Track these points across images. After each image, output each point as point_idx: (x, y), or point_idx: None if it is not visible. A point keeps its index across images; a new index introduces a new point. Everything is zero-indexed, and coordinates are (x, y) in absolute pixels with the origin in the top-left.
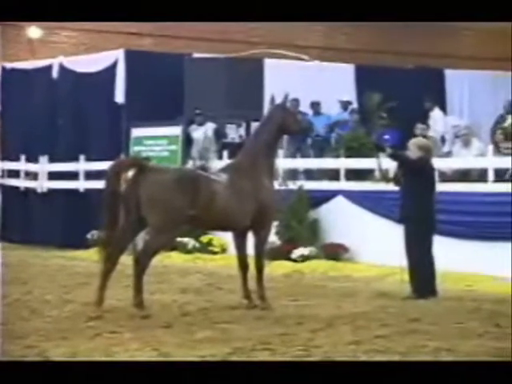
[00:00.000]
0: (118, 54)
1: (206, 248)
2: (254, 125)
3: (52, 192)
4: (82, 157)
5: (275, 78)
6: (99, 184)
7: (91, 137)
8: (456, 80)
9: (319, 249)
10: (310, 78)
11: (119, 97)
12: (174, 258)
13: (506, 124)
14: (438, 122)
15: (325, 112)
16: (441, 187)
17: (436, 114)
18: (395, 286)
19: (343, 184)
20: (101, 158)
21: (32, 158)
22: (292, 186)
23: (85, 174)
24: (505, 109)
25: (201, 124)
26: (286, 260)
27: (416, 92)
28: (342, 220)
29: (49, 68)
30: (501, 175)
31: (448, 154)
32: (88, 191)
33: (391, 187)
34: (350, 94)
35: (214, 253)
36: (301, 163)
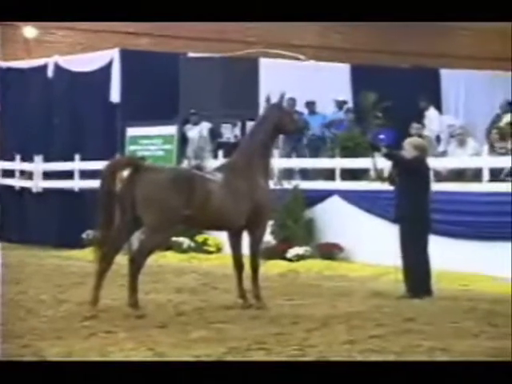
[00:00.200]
0: (114, 54)
1: (201, 247)
2: (249, 124)
3: (47, 191)
4: (77, 156)
5: (270, 78)
6: (94, 183)
7: (86, 136)
8: (451, 80)
9: (314, 248)
10: (306, 78)
11: (114, 96)
12: (169, 258)
13: (502, 124)
14: (434, 121)
15: (320, 111)
16: (436, 187)
17: (431, 113)
18: (390, 285)
19: (338, 184)
20: (96, 158)
21: (27, 158)
22: (287, 185)
23: (80, 173)
24: (501, 108)
25: (196, 123)
26: (281, 259)
27: (411, 91)
28: (337, 220)
29: (44, 67)
30: (496, 175)
31: (443, 154)
32: (83, 191)
33: (387, 187)
34: (345, 93)
35: (209, 252)
36: (296, 163)
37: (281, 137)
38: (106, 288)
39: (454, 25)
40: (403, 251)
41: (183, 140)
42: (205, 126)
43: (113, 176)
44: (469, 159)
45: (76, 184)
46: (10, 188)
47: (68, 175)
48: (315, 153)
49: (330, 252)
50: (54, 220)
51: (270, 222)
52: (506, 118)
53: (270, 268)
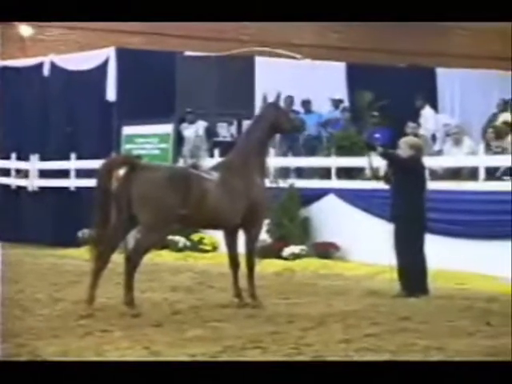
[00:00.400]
0: (109, 52)
1: (196, 246)
2: (246, 123)
3: (43, 190)
4: (73, 155)
5: (266, 77)
6: (90, 182)
7: (82, 135)
8: (447, 79)
9: (310, 247)
10: (302, 76)
11: (110, 95)
12: (165, 257)
13: (498, 122)
14: (429, 120)
15: (316, 110)
16: (432, 185)
17: (427, 112)
18: (386, 284)
19: (334, 182)
20: (92, 156)
21: (23, 156)
22: (283, 184)
23: (76, 172)
24: (498, 107)
25: (192, 122)
26: (277, 258)
27: (407, 90)
28: (333, 218)
29: (40, 66)
30: (492, 174)
31: (439, 153)
32: (79, 189)
33: (383, 186)
34: (341, 92)
35: (205, 251)
36: (292, 161)
37: (277, 135)
38: (102, 287)
39: (450, 24)
40: (398, 250)
41: (179, 139)
42: (201, 125)
43: (109, 175)
44: (465, 158)
45: (72, 183)
46: (6, 187)
47: (64, 174)
48: (311, 151)
49: (326, 251)
50: (50, 219)
51: (266, 221)
52: (503, 117)
53: (266, 267)
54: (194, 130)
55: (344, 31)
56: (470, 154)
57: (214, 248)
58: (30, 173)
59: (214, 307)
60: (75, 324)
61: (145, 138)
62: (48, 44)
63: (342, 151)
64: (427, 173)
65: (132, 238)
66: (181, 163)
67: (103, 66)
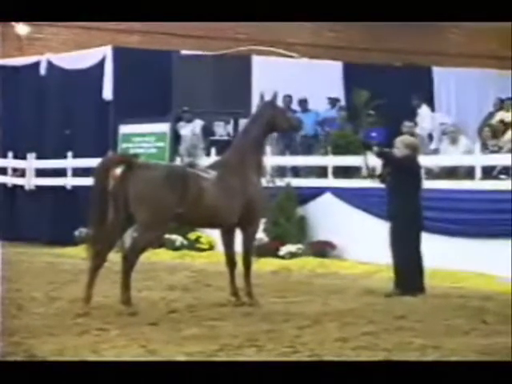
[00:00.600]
0: (106, 51)
1: (193, 245)
2: (242, 122)
3: (40, 189)
4: (69, 154)
5: (263, 75)
6: (87, 181)
7: (79, 134)
8: (444, 77)
9: (307, 246)
10: (298, 75)
11: (107, 93)
12: (162, 255)
13: (494, 121)
14: (426, 119)
15: (312, 109)
16: (428, 184)
17: (423, 111)
18: (382, 283)
19: (331, 181)
20: (89, 155)
21: (20, 155)
22: (280, 183)
23: (73, 170)
24: (494, 106)
25: (189, 121)
26: (274, 257)
27: (404, 90)
28: (330, 217)
29: (37, 65)
30: (488, 172)
31: (435, 152)
32: (76, 188)
33: (379, 185)
34: (337, 91)
35: (202, 250)
36: (288, 160)
37: (274, 134)
38: (99, 285)
39: (446, 23)
40: (394, 249)
41: (176, 137)
42: (197, 124)
43: (106, 173)
44: (461, 157)
45: (69, 181)
46: (3, 185)
47: (61, 173)
48: (308, 150)
49: (323, 250)
50: (47, 217)
51: (263, 220)
52: (499, 116)
53: (263, 266)
54: (190, 129)
55: (340, 30)
56: (466, 153)
57: (211, 247)
58: (27, 171)
59: (210, 306)
60: (72, 322)
61: (142, 137)
62: (45, 43)
63: (339, 150)
64: (423, 172)
65: (129, 236)
66: (178, 162)
67: (100, 65)
